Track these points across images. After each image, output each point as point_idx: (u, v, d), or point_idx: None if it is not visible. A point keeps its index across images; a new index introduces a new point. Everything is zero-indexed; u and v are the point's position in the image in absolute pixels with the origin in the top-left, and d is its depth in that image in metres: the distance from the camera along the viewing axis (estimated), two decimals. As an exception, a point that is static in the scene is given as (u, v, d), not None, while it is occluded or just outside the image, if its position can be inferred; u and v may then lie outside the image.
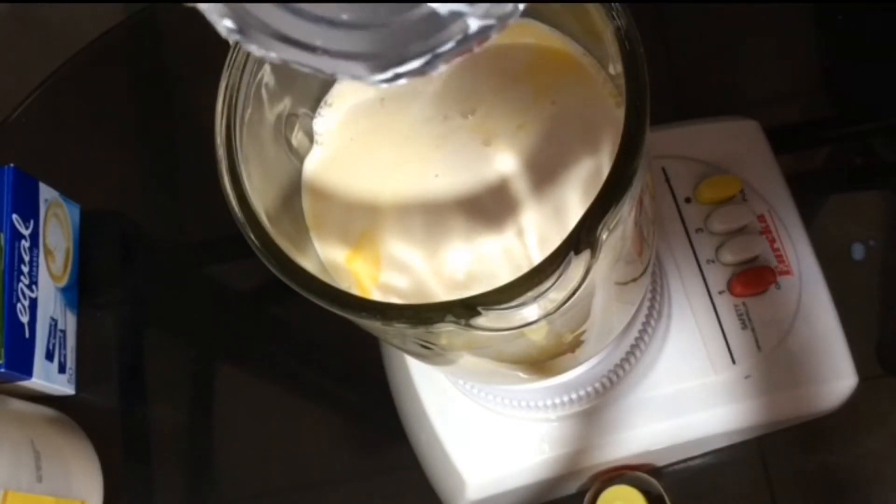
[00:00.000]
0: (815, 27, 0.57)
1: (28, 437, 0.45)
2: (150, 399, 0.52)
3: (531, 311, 0.24)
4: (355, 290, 0.29)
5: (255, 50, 0.18)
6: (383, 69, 0.18)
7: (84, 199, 0.55)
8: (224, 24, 0.18)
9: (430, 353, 0.29)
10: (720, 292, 0.44)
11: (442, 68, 0.18)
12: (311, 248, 0.30)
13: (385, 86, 0.18)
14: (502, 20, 0.17)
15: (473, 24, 0.17)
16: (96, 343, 0.53)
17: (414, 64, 0.17)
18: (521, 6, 0.17)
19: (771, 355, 0.43)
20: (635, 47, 0.24)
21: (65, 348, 0.51)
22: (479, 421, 0.42)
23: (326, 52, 0.18)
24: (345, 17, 0.17)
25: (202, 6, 0.18)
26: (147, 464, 0.51)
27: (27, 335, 0.48)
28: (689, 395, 0.42)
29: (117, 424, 0.52)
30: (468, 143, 0.30)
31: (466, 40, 0.17)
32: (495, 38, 0.17)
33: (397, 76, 0.18)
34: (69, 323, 0.52)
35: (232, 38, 0.18)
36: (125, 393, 0.52)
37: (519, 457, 0.42)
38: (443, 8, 0.17)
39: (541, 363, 0.34)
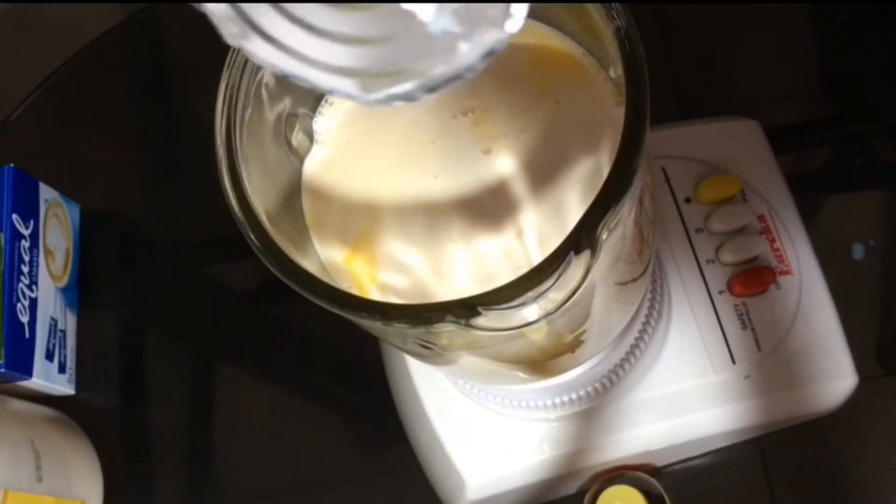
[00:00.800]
0: (815, 27, 0.57)
1: (28, 437, 0.45)
2: (150, 399, 0.52)
3: (531, 311, 0.24)
4: (354, 291, 0.29)
5: (255, 58, 0.18)
6: (376, 89, 0.18)
7: (84, 199, 0.55)
8: (228, 29, 0.18)
9: (430, 353, 0.29)
10: (720, 292, 0.44)
11: (436, 93, 0.18)
12: (311, 248, 0.30)
13: (380, 106, 0.18)
14: (492, 45, 0.17)
15: (464, 47, 0.17)
16: (96, 343, 0.53)
17: (407, 86, 0.17)
18: (512, 32, 0.17)
19: (771, 355, 0.43)
20: (635, 47, 0.24)
21: (65, 348, 0.51)
22: (479, 421, 0.42)
23: (323, 65, 0.18)
24: (341, 30, 0.18)
25: (210, 9, 0.18)
26: (147, 464, 0.51)
27: (27, 335, 0.48)
28: (689, 395, 0.42)
29: (117, 424, 0.52)
30: (467, 143, 0.30)
31: (458, 64, 0.17)
32: (483, 66, 0.17)
33: (390, 98, 0.18)
34: (69, 323, 0.52)
35: (234, 44, 0.18)
36: (125, 393, 0.52)
37: (519, 457, 0.42)
38: (435, 27, 0.17)
39: (541, 363, 0.34)
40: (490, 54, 0.17)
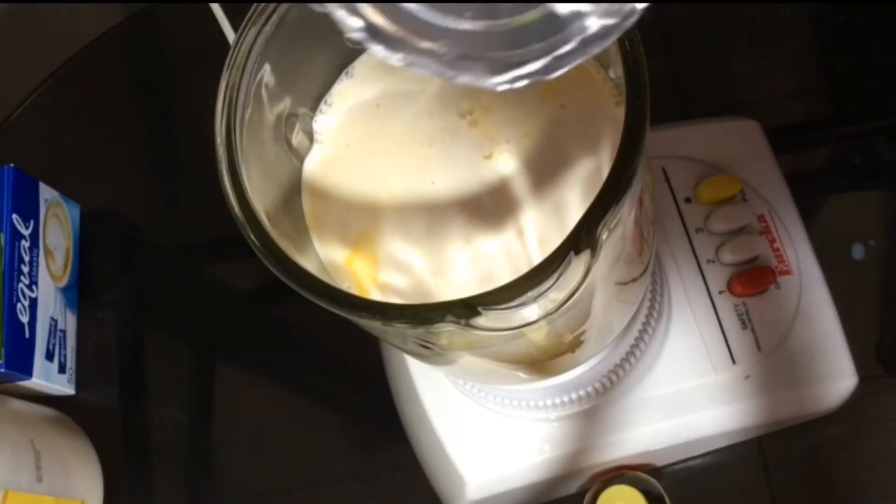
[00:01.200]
0: (815, 27, 0.57)
1: (28, 437, 0.45)
2: (150, 399, 0.52)
3: (531, 311, 0.24)
4: (355, 290, 0.29)
5: (379, 52, 0.18)
6: (502, 71, 0.17)
7: (84, 199, 0.55)
8: (350, 24, 0.18)
9: (430, 353, 0.29)
10: (720, 292, 0.44)
11: (562, 71, 0.17)
12: (311, 248, 0.30)
13: (505, 87, 0.18)
14: (624, 19, 0.17)
15: (594, 25, 0.17)
16: (96, 343, 0.53)
17: (534, 66, 0.17)
18: (641, 6, 0.17)
19: (771, 355, 0.43)
20: (635, 47, 0.24)
21: (65, 348, 0.51)
22: (479, 421, 0.42)
23: (447, 54, 0.18)
24: (465, 18, 0.17)
25: (331, 6, 0.18)
26: (147, 464, 0.51)
27: (27, 335, 0.48)
28: (689, 395, 0.42)
29: (117, 424, 0.52)
30: (468, 147, 0.30)
31: (587, 41, 0.17)
32: (609, 43, 0.17)
33: (517, 79, 0.17)
34: (69, 323, 0.52)
35: (356, 38, 0.18)
36: (125, 393, 0.52)
37: (519, 457, 0.42)
38: (563, 8, 0.17)
39: (541, 363, 0.34)
40: (621, 27, 0.17)
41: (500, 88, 0.18)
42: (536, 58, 0.17)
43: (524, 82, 0.18)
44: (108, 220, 0.56)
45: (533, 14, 0.17)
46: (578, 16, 0.17)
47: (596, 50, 0.17)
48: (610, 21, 0.17)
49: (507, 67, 0.17)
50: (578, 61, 0.17)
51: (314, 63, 0.31)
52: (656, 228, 0.43)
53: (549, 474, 0.42)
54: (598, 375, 0.40)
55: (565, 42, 0.17)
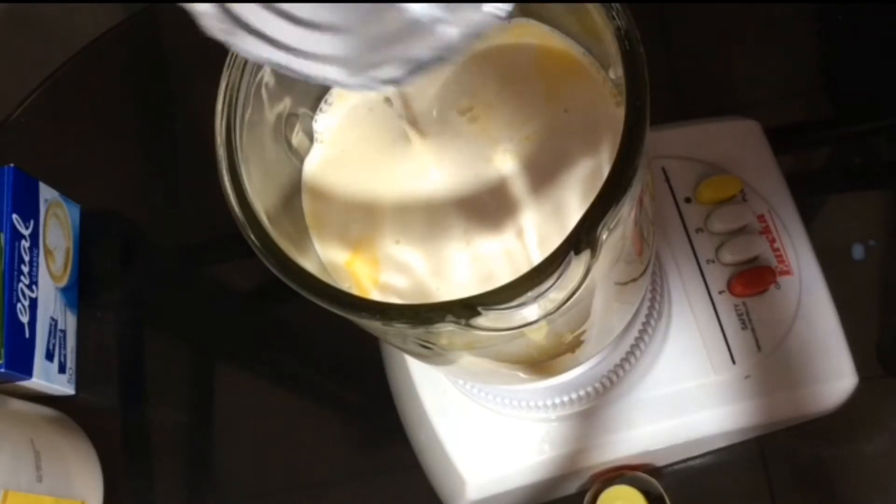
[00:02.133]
0: (815, 27, 0.57)
1: (28, 437, 0.45)
2: (150, 399, 0.52)
3: (531, 311, 0.24)
4: (355, 291, 0.29)
5: (241, 51, 0.18)
6: (359, 73, 0.18)
7: (84, 199, 0.55)
8: (214, 26, 0.18)
9: (430, 353, 0.29)
10: (720, 292, 0.44)
11: (415, 78, 0.18)
12: (311, 248, 0.30)
13: (367, 91, 0.18)
14: (479, 28, 0.17)
15: (453, 33, 0.17)
16: (96, 343, 0.53)
17: (391, 71, 0.17)
18: (498, 14, 0.17)
19: (771, 355, 0.43)
20: (635, 47, 0.24)
21: (65, 348, 0.51)
22: (479, 421, 0.42)
23: (307, 55, 0.18)
24: (324, 20, 0.17)
25: (194, 8, 0.18)
26: (147, 464, 0.51)
27: (27, 335, 0.48)
28: (688, 396, 0.42)
29: (117, 424, 0.52)
30: (468, 148, 0.30)
31: (446, 49, 0.17)
32: (467, 47, 0.17)
33: (375, 81, 0.18)
34: (69, 323, 0.52)
35: (220, 38, 0.18)
36: (125, 393, 0.52)
37: (519, 457, 0.42)
38: (423, 15, 0.17)
39: (541, 363, 0.34)
40: (476, 36, 0.17)
41: (361, 91, 0.18)
42: (395, 62, 0.17)
43: (382, 88, 0.18)
44: (108, 220, 0.56)
45: (393, 20, 0.17)
46: (435, 21, 0.17)
47: (456, 57, 0.17)
48: (464, 26, 0.17)
49: (364, 70, 0.18)
50: (436, 65, 0.17)
51: (314, 63, 0.31)
52: (656, 228, 0.43)
53: (549, 474, 0.42)
54: (597, 375, 0.40)
55: (424, 48, 0.17)
